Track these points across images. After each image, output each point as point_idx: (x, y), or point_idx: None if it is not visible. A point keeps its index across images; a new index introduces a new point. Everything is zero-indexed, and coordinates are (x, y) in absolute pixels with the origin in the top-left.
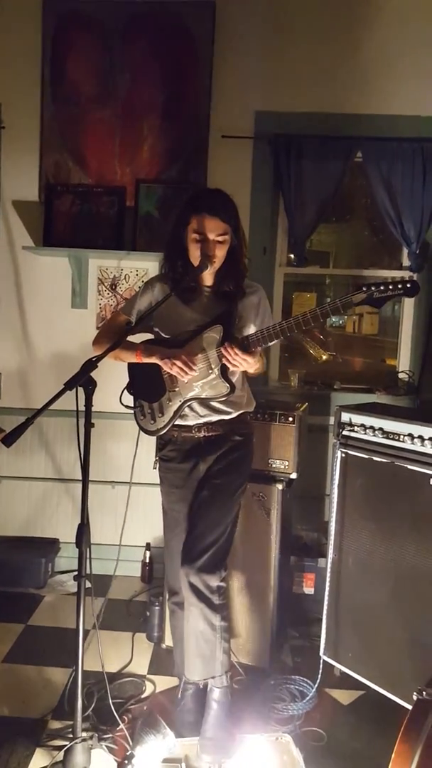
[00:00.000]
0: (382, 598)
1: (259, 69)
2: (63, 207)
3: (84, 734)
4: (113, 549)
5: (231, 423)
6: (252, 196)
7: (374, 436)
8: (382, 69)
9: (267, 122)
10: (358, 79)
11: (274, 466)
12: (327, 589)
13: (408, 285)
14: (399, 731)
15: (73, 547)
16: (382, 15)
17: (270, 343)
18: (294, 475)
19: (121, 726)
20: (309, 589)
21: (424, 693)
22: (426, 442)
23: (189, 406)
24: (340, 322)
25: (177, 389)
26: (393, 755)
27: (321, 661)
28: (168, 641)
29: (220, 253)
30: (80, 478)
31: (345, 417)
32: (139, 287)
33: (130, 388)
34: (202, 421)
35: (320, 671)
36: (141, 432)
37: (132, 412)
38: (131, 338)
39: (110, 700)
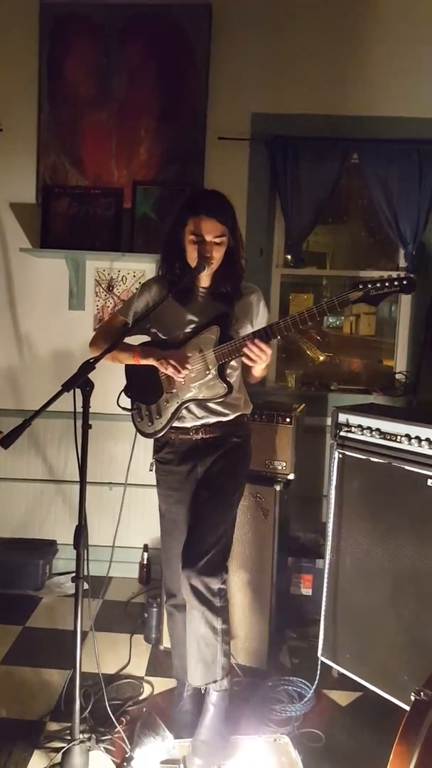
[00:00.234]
0: (379, 599)
1: (255, 71)
2: (60, 209)
3: (82, 736)
4: (111, 550)
5: (228, 425)
6: (249, 198)
7: (371, 436)
8: (379, 71)
9: (264, 124)
10: (354, 80)
11: (271, 467)
12: (325, 590)
13: (404, 282)
14: (397, 732)
15: (70, 549)
16: (379, 17)
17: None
18: (291, 476)
19: (119, 728)
20: (307, 590)
21: (421, 694)
22: (423, 442)
23: (186, 407)
24: (338, 322)
25: (174, 391)
26: (391, 756)
27: (319, 662)
28: (166, 643)
29: (217, 255)
30: (78, 480)
31: (342, 418)
32: (137, 289)
33: (127, 390)
34: (199, 423)
35: (318, 672)
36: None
37: (129, 414)
38: (130, 340)
39: (108, 702)
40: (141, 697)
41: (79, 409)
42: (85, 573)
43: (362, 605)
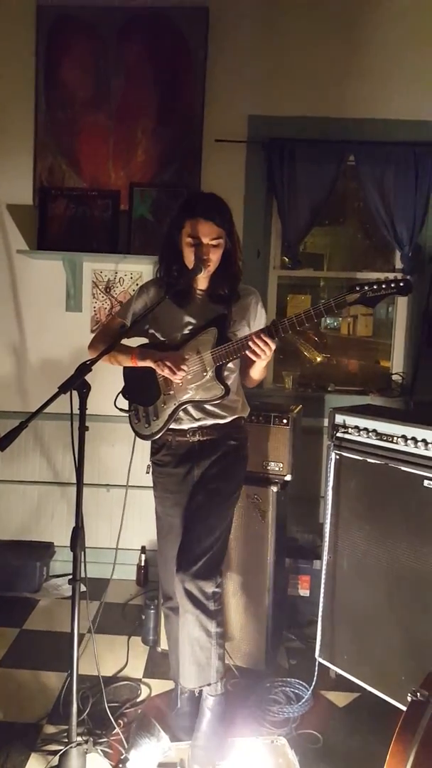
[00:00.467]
0: (376, 600)
1: (252, 73)
2: (57, 210)
3: (79, 738)
4: (108, 552)
5: (225, 428)
6: (246, 200)
7: (368, 437)
8: (375, 73)
9: (260, 126)
10: (351, 83)
11: (268, 468)
12: (322, 591)
13: (401, 284)
14: (394, 733)
15: (68, 551)
16: (375, 19)
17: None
18: (288, 477)
19: (117, 730)
20: (304, 591)
21: (418, 694)
22: (419, 443)
23: (183, 409)
24: (335, 324)
25: (171, 392)
26: (388, 756)
27: (316, 663)
28: (163, 644)
29: (214, 257)
30: (75, 482)
31: (339, 419)
32: (134, 291)
33: (125, 391)
34: (196, 425)
35: (316, 673)
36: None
37: (127, 416)
38: (129, 342)
39: (105, 704)
40: (139, 699)
41: (76, 411)
42: (83, 575)
43: (359, 606)
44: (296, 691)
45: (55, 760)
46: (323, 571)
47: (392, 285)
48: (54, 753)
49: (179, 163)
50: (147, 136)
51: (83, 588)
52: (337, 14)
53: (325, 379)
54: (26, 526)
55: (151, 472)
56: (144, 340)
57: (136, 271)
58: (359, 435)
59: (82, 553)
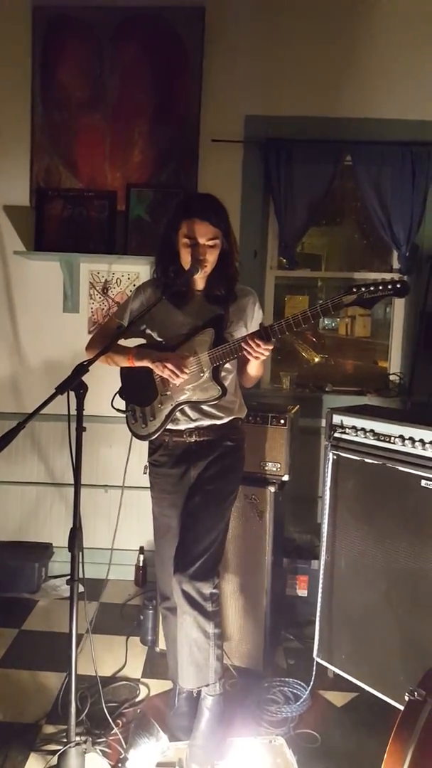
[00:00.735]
0: (374, 600)
1: (249, 73)
2: (54, 211)
3: (78, 738)
4: (107, 553)
5: (222, 428)
6: (242, 200)
7: (365, 438)
8: (372, 72)
9: (257, 126)
10: (347, 82)
11: (266, 468)
12: (320, 591)
13: (398, 285)
14: (392, 732)
15: (66, 552)
16: (372, 20)
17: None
18: (286, 478)
19: (115, 730)
20: (302, 592)
21: (415, 693)
22: (417, 443)
23: (180, 410)
24: (333, 324)
25: (168, 393)
26: (385, 755)
27: (314, 663)
28: (162, 645)
29: (211, 257)
30: (73, 482)
31: (336, 419)
32: (131, 291)
33: (122, 392)
34: (193, 425)
35: (314, 673)
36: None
37: (124, 416)
38: (127, 343)
39: (104, 704)
40: (137, 699)
41: (74, 412)
42: (81, 575)
43: (357, 606)
44: (294, 690)
45: (54, 759)
46: (321, 571)
47: (389, 286)
48: (53, 753)
49: (176, 164)
50: (143, 137)
51: (81, 588)
52: (334, 14)
53: (323, 379)
54: (24, 526)
55: (148, 473)
56: (141, 341)
57: (133, 271)
58: (357, 435)
59: (80, 553)
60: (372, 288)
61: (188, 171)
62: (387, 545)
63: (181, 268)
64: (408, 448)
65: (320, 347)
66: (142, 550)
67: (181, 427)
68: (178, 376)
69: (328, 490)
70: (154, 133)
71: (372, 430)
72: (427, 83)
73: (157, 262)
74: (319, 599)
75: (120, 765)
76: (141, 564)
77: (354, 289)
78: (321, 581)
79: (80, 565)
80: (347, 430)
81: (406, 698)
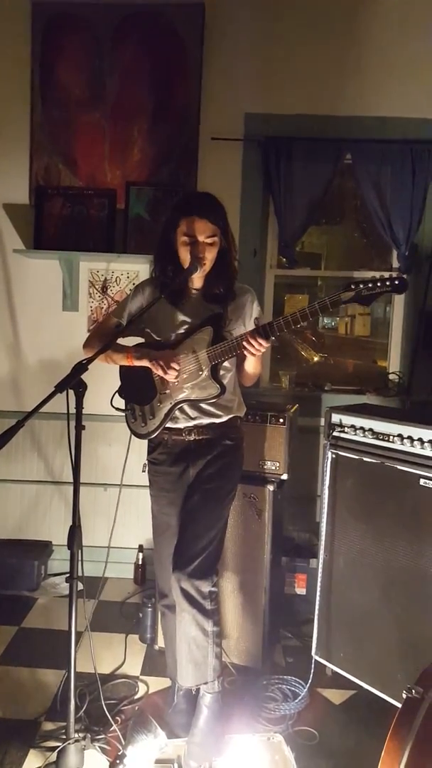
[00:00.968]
0: (373, 598)
1: (248, 71)
2: (53, 209)
3: (77, 735)
4: (106, 551)
5: (221, 427)
6: (242, 198)
7: (364, 437)
8: (372, 70)
9: (257, 124)
10: (347, 81)
11: (265, 467)
12: (318, 589)
13: (396, 282)
14: (389, 729)
15: (66, 550)
16: (372, 17)
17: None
18: (285, 476)
19: (114, 727)
20: (301, 590)
21: (413, 691)
22: (416, 442)
23: (180, 408)
24: (333, 323)
25: (167, 391)
26: (383, 753)
27: (313, 660)
28: (161, 642)
29: (209, 255)
30: (72, 481)
31: (335, 418)
32: (130, 290)
33: (121, 391)
34: (192, 424)
35: (312, 671)
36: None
37: (123, 415)
38: (126, 341)
39: (103, 701)
40: (136, 697)
41: (73, 411)
42: (80, 573)
43: (356, 604)
44: (293, 688)
45: (54, 756)
46: (320, 570)
47: (387, 283)
48: (52, 749)
49: (175, 162)
50: (143, 135)
51: (81, 586)
52: (333, 12)
53: (322, 378)
54: (24, 524)
55: (147, 471)
56: (139, 339)
57: (132, 270)
58: (356, 434)
59: (80, 551)
60: (370, 285)
61: (188, 169)
62: (386, 544)
63: (179, 267)
64: (407, 447)
65: (320, 346)
66: (141, 548)
67: (180, 425)
68: (166, 372)
69: (327, 488)
70: (154, 131)
71: (371, 429)
72: (427, 81)
73: (155, 261)
74: (318, 597)
75: (118, 761)
76: (140, 562)
77: (352, 286)
78: (320, 580)
79: (79, 563)
80: (346, 429)
81: (404, 696)
